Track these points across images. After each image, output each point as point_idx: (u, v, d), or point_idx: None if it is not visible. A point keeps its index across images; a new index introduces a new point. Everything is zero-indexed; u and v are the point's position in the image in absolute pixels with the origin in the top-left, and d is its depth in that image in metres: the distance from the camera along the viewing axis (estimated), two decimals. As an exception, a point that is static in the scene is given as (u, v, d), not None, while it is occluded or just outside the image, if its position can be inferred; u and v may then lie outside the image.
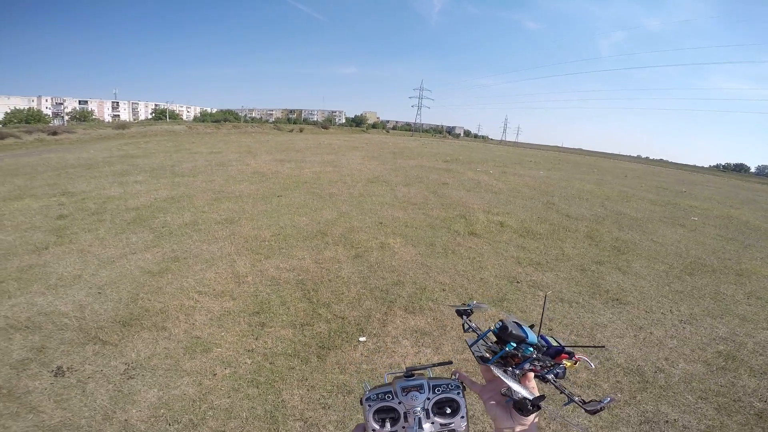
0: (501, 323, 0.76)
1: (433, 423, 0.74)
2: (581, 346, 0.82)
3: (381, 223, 7.50)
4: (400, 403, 0.74)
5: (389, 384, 0.79)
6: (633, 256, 6.71)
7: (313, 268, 5.27)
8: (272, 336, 3.69)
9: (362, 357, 3.48)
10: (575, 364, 0.77)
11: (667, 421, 2.87)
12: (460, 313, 0.87)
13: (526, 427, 0.72)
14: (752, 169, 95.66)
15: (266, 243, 6.09)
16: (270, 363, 3.31)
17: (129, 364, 3.14)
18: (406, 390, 0.75)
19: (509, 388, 0.70)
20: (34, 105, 62.75)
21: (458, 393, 0.76)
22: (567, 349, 0.77)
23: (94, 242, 5.64)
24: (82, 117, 57.67)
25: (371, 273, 5.23)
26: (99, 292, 4.23)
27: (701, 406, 3.05)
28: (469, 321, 0.86)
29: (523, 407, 0.66)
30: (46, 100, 71.61)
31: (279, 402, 2.88)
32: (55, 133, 23.44)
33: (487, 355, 0.79)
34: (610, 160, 43.77)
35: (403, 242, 6.51)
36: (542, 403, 0.66)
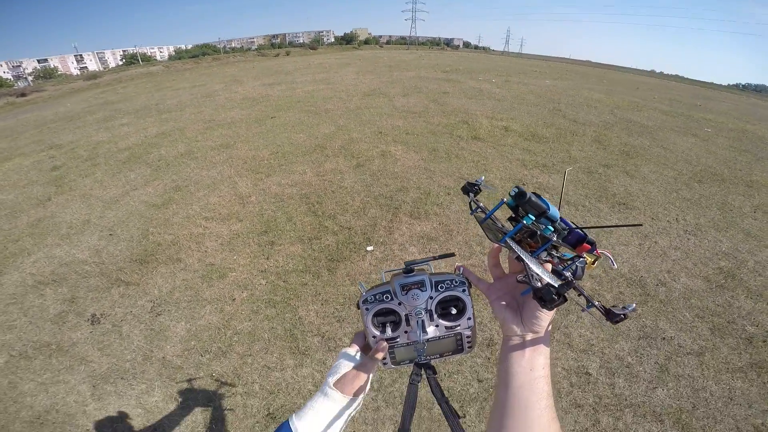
0: (517, 189, 0.60)
1: (437, 326, 0.68)
2: (616, 226, 0.65)
3: (381, 132, 7.22)
4: (400, 303, 0.68)
5: (387, 283, 0.71)
6: (642, 161, 6.43)
7: (315, 181, 5.18)
8: (282, 254, 3.72)
9: (371, 266, 3.52)
10: (594, 262, 0.62)
11: (663, 338, 2.87)
12: (467, 191, 0.72)
13: (539, 335, 0.61)
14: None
15: (265, 162, 5.96)
16: (283, 281, 3.37)
17: (154, 301, 3.22)
18: (405, 288, 0.67)
19: (528, 274, 0.55)
20: (-12, 72, 59.08)
21: (463, 290, 0.68)
22: (590, 237, 0.61)
23: (94, 185, 5.55)
24: (48, 75, 54.13)
25: (374, 181, 5.13)
26: (110, 234, 4.24)
27: (697, 324, 3.04)
28: (477, 201, 0.71)
29: (546, 296, 0.52)
30: (0, 65, 67.27)
31: (296, 319, 2.96)
32: (23, 95, 22.13)
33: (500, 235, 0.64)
34: (621, 73, 39.99)
35: (405, 149, 6.30)
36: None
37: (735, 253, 4.02)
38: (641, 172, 5.94)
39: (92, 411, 2.36)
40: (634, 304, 0.54)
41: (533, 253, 0.60)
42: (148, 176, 5.71)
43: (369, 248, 3.75)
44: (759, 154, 8.03)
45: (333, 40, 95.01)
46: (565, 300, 0.52)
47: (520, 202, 0.60)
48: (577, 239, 0.61)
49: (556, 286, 0.52)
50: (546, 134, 7.47)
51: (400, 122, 7.94)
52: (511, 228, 0.63)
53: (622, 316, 0.51)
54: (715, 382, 2.55)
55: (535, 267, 0.54)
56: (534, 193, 0.60)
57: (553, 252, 0.63)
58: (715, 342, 2.88)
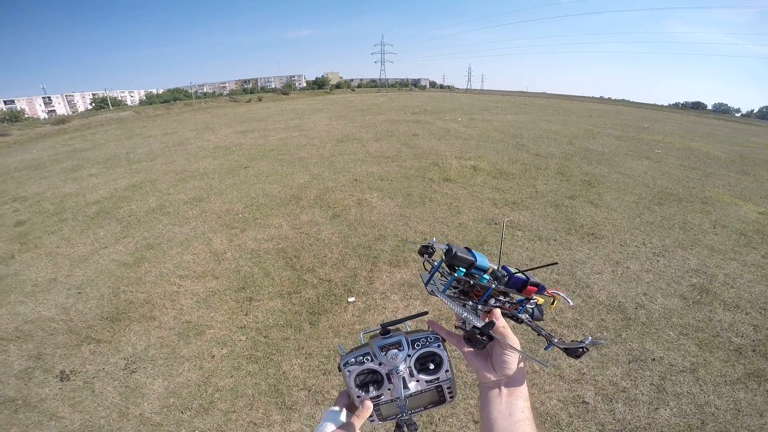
0: (447, 246, 0.67)
1: (418, 381, 0.71)
2: (536, 268, 0.73)
3: (356, 179, 7.43)
4: (380, 364, 0.70)
5: (366, 344, 0.75)
6: (603, 189, 6.95)
7: (291, 234, 5.21)
8: (262, 309, 3.70)
9: (354, 317, 3.53)
10: (553, 303, 0.68)
11: (653, 359, 2.92)
12: (422, 253, 0.78)
13: (512, 377, 0.64)
14: (709, 107, 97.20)
15: (240, 216, 5.96)
16: (264, 337, 3.33)
17: (128, 359, 3.12)
18: (384, 349, 0.70)
19: (465, 321, 0.63)
20: (-52, 115, 55.97)
21: (438, 345, 0.72)
22: (533, 279, 0.67)
23: (61, 243, 5.36)
24: (13, 117, 52.07)
25: (351, 231, 5.23)
26: (79, 292, 4.10)
27: (683, 342, 3.10)
28: (432, 260, 0.77)
29: (473, 338, 0.59)
30: (-35, 106, 64.35)
31: (280, 374, 2.92)
32: (-13, 139, 21.21)
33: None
34: (574, 102, 43.70)
35: (380, 196, 6.50)
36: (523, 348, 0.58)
37: (704, 269, 4.25)
38: (604, 200, 6.37)
39: (64, 466, 2.22)
40: (590, 338, 0.57)
41: (479, 300, 0.66)
42: (118, 233, 5.57)
43: (350, 299, 3.78)
44: (707, 170, 8.83)
45: (305, 84, 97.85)
46: (491, 339, 0.58)
47: (448, 257, 0.66)
48: (521, 283, 0.67)
49: (480, 327, 0.57)
50: (512, 170, 7.94)
51: (374, 168, 8.21)
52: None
53: (580, 350, 0.54)
54: (717, 396, 2.58)
55: (459, 311, 0.59)
56: (466, 247, 0.68)
57: (501, 297, 0.69)
58: (705, 357, 2.95)
